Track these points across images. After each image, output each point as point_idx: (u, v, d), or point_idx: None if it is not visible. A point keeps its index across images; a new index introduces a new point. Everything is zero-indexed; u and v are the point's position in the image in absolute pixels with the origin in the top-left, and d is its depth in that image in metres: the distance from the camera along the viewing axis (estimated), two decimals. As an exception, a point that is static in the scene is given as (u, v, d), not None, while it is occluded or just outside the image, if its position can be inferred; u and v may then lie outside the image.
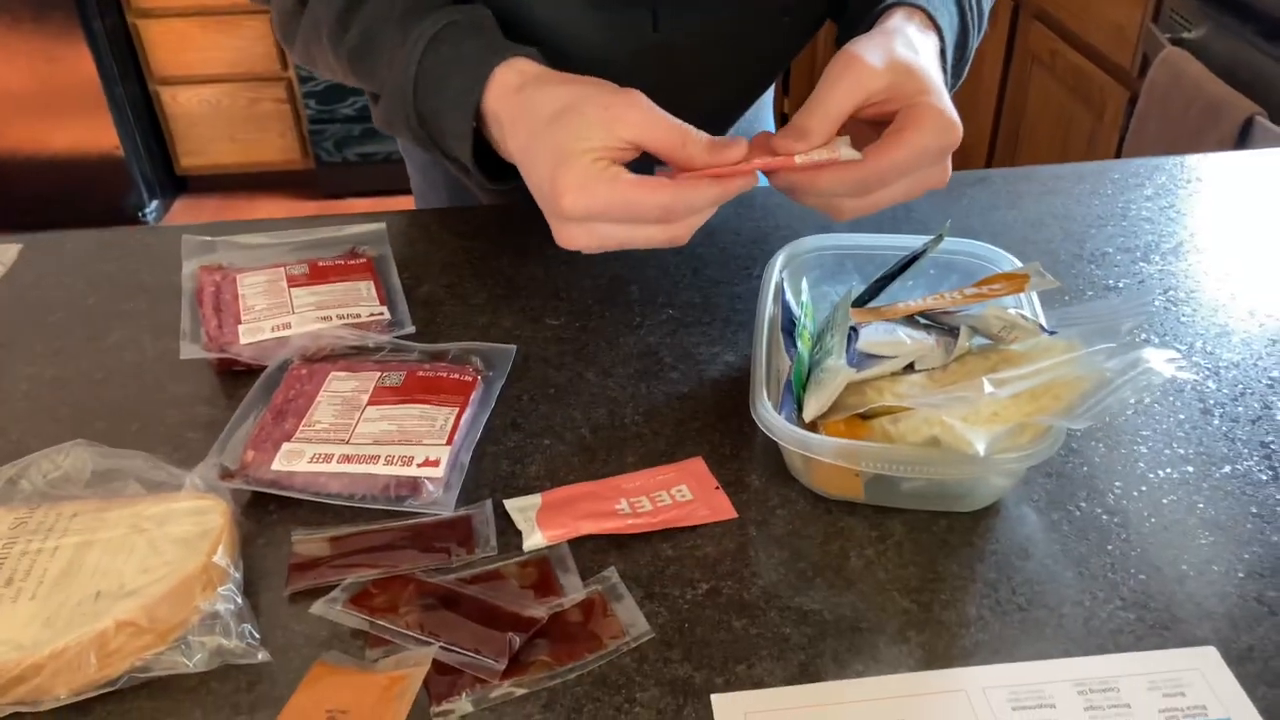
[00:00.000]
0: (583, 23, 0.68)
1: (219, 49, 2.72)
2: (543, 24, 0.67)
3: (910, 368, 0.54)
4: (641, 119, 0.52)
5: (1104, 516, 0.53)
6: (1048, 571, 0.50)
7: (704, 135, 0.53)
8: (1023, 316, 0.54)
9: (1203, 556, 0.51)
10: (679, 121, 0.53)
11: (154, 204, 2.81)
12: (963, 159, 2.28)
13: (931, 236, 0.61)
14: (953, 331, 0.56)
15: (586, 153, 0.52)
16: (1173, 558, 0.51)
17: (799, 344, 0.57)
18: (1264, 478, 0.55)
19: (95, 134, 2.65)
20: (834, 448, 0.50)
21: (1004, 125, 2.17)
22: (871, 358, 0.54)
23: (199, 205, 2.95)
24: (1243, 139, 1.34)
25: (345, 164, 2.87)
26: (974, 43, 0.69)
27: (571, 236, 0.54)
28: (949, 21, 0.63)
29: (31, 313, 0.71)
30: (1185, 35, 1.53)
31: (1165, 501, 0.54)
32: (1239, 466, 0.56)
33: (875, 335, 0.56)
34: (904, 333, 0.56)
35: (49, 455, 0.54)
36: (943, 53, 0.62)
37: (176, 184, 2.96)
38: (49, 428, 0.61)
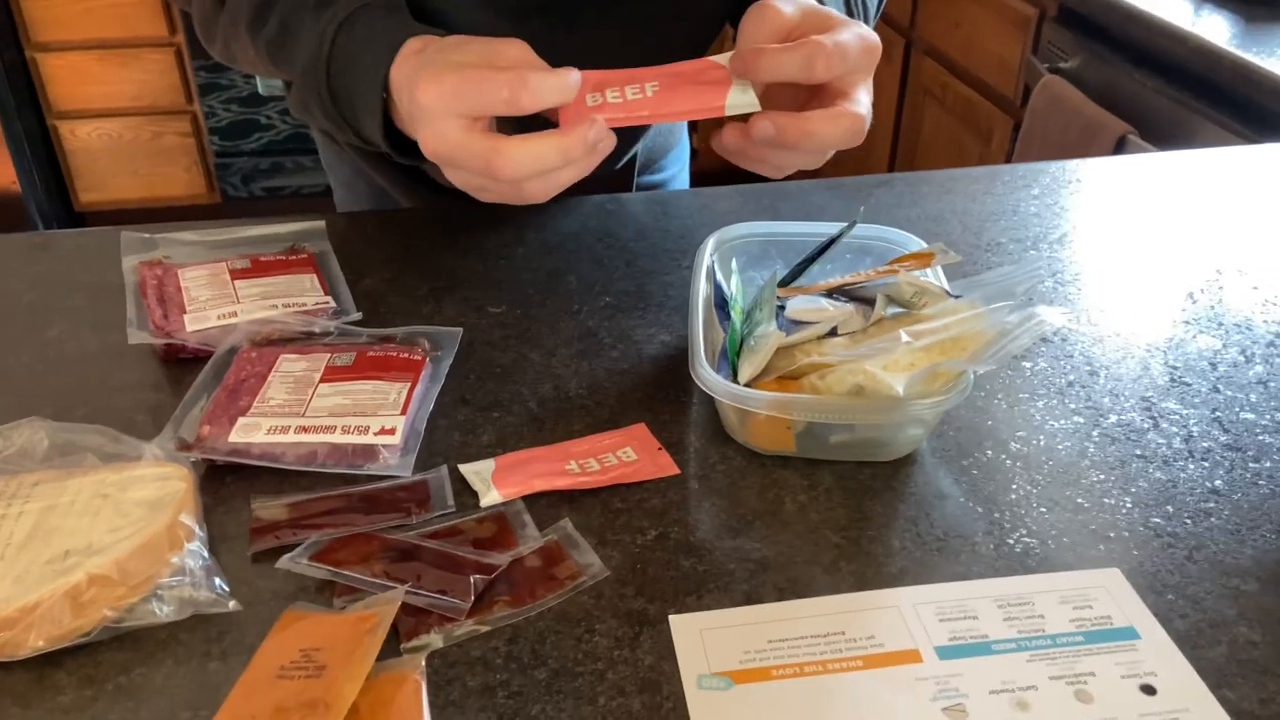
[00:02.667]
0: (497, 28, 0.72)
1: (121, 82, 2.67)
2: (456, 23, 0.70)
3: (833, 332, 0.59)
4: (519, 55, 0.55)
5: (1008, 462, 0.58)
6: (961, 508, 0.55)
7: (546, 95, 0.54)
8: (931, 283, 0.60)
9: (1096, 492, 0.56)
10: (552, 69, 0.55)
11: (52, 240, 2.73)
12: (863, 187, 2.40)
13: (846, 224, 0.67)
14: (870, 301, 0.61)
15: (453, 63, 0.54)
16: (1070, 494, 0.56)
17: (732, 316, 0.61)
18: (1145, 426, 0.61)
19: (-10, 169, 2.58)
20: (768, 400, 0.54)
21: (900, 152, 2.29)
22: (798, 324, 0.59)
23: (99, 241, 2.88)
24: (1117, 155, 1.45)
25: (252, 198, 2.84)
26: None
27: (452, 176, 0.56)
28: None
29: (-34, 310, 0.71)
30: (1062, 65, 1.65)
31: (1060, 448, 0.59)
32: (1123, 417, 0.62)
33: (800, 305, 0.60)
34: (826, 302, 0.61)
35: (2, 432, 0.55)
36: None
37: (74, 220, 2.88)
38: (-9, 416, 0.61)
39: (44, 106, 2.68)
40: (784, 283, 0.66)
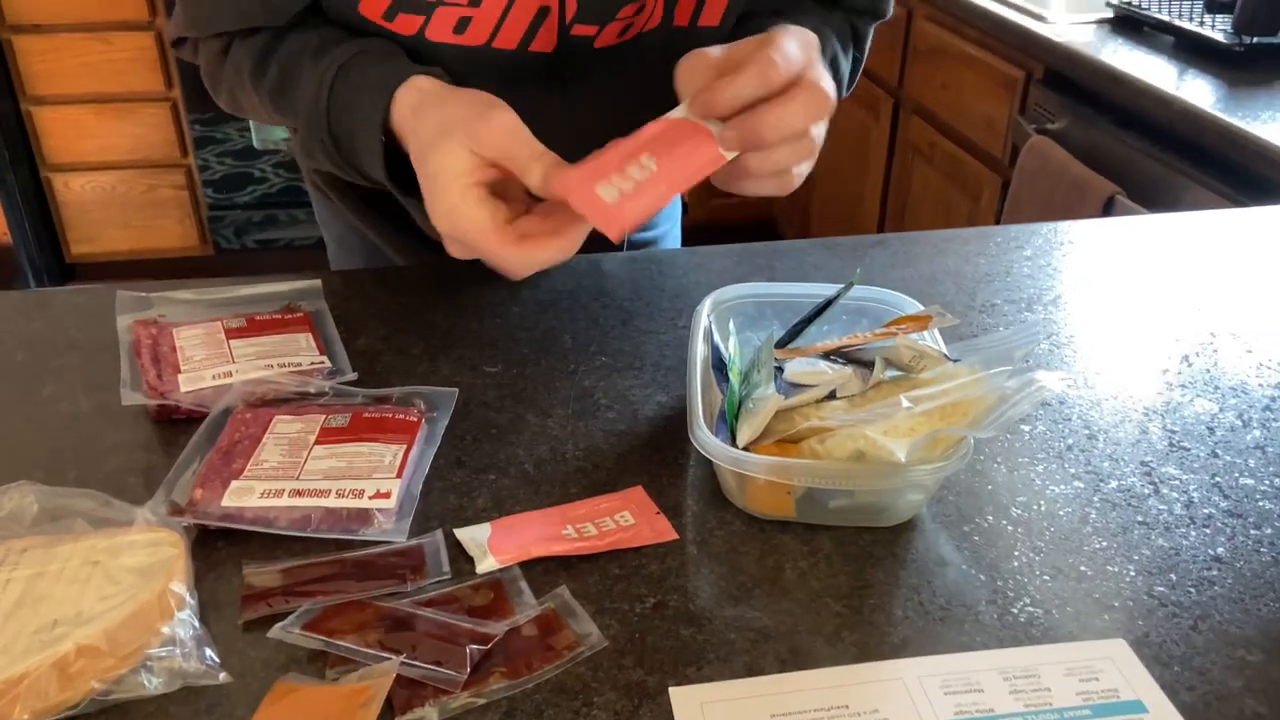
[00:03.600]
0: (492, 89, 0.73)
1: (116, 135, 2.69)
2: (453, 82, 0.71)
3: (832, 396, 0.59)
4: (499, 142, 0.57)
5: (1009, 528, 0.58)
6: (964, 576, 0.54)
7: (547, 161, 0.57)
8: (930, 347, 0.60)
9: (1099, 559, 0.56)
10: (532, 147, 0.57)
11: (42, 291, 2.73)
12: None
13: (843, 285, 0.67)
14: (868, 364, 0.61)
15: (455, 179, 0.57)
16: (1073, 562, 0.56)
17: (730, 378, 0.61)
18: (1146, 491, 0.61)
19: (-18, 220, 2.58)
20: (767, 464, 0.54)
21: (890, 209, 2.31)
22: (797, 386, 0.59)
23: (90, 292, 2.88)
24: (1106, 216, 1.47)
25: (245, 250, 2.85)
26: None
27: (455, 252, 0.60)
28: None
29: (-43, 368, 0.70)
30: (1049, 126, 1.68)
31: (1061, 514, 0.59)
32: (1123, 482, 0.62)
33: (799, 367, 0.60)
34: (825, 365, 0.61)
35: (-9, 497, 0.54)
36: None
37: (65, 271, 2.88)
38: (-20, 478, 0.60)
39: (38, 159, 2.69)
40: (781, 344, 0.66)
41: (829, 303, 0.67)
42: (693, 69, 0.59)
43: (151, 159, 2.74)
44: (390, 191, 0.67)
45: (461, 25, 0.67)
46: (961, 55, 1.95)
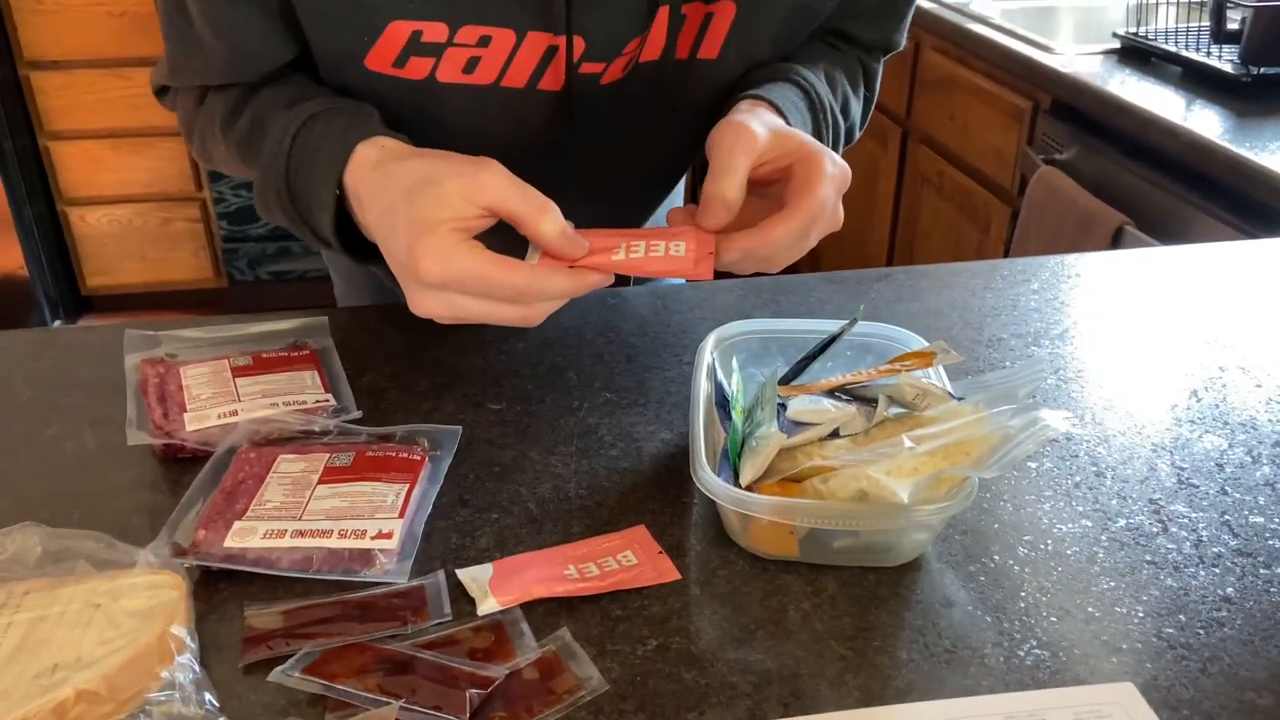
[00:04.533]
0: (500, 126, 0.73)
1: (132, 170, 2.72)
2: (459, 129, 0.71)
3: (835, 434, 0.59)
4: (500, 184, 0.56)
5: (1015, 567, 0.57)
6: (969, 617, 0.54)
7: (561, 219, 0.57)
8: (933, 385, 0.60)
9: (1107, 600, 0.55)
10: (540, 195, 0.57)
11: (57, 324, 2.75)
12: (863, 265, 2.42)
13: (847, 320, 0.67)
14: (872, 401, 0.61)
15: (444, 222, 0.54)
16: (1080, 602, 0.55)
17: (733, 416, 0.61)
18: (1154, 530, 0.60)
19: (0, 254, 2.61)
20: (770, 505, 0.53)
21: (899, 238, 2.31)
22: (800, 425, 0.59)
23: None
24: (1114, 246, 1.47)
25: (258, 282, 2.87)
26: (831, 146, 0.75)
27: (428, 305, 0.56)
28: (799, 119, 0.70)
29: (-35, 408, 0.71)
30: (1057, 156, 1.68)
31: (1069, 553, 0.58)
32: (1132, 521, 0.61)
33: (802, 405, 0.60)
34: (828, 403, 0.60)
35: (-5, 538, 0.54)
36: None
37: (81, 304, 2.91)
38: (-14, 519, 0.60)
39: (54, 193, 2.72)
40: (784, 381, 0.66)
41: (833, 339, 0.67)
42: (731, 147, 0.59)
43: (167, 192, 2.77)
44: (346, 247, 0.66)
45: (471, 65, 0.68)
46: (969, 86, 1.96)
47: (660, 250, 0.59)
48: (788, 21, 0.73)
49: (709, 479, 0.55)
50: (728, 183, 0.58)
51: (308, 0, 0.64)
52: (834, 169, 0.60)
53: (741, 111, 0.64)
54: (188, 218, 2.81)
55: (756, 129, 0.60)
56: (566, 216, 0.57)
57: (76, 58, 2.57)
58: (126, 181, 2.73)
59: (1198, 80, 1.60)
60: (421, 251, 0.54)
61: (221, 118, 0.70)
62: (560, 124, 0.74)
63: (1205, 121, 1.44)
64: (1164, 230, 1.43)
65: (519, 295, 0.56)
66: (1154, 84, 1.60)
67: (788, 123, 0.67)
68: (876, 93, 0.85)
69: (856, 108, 0.81)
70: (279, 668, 0.49)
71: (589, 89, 0.71)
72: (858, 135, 0.83)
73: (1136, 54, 1.73)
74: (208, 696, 0.47)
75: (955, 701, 0.48)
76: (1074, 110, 1.67)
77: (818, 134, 0.72)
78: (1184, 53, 1.64)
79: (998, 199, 1.90)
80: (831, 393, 0.62)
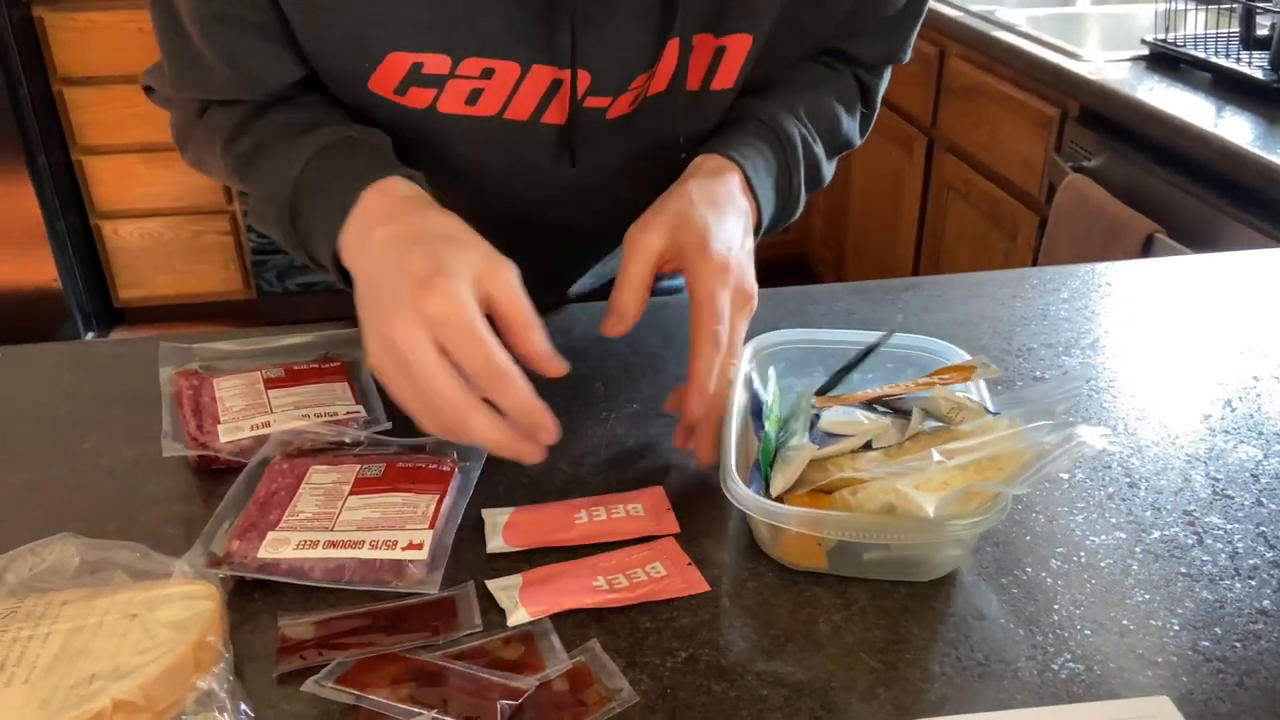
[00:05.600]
0: (502, 157, 0.73)
1: (163, 184, 2.76)
2: (461, 157, 0.72)
3: (868, 446, 0.58)
4: (511, 286, 0.55)
5: (1048, 580, 0.57)
6: (1002, 630, 0.53)
7: (545, 341, 0.57)
8: (969, 399, 0.59)
9: (1142, 613, 0.55)
10: (534, 312, 0.56)
11: (89, 336, 2.79)
12: (889, 275, 2.41)
13: (885, 333, 0.67)
14: (906, 414, 0.60)
15: (467, 278, 0.54)
16: (1115, 615, 0.54)
17: (767, 425, 0.61)
18: (1189, 542, 0.60)
19: (34, 267, 2.66)
20: (799, 516, 0.53)
21: (926, 247, 2.30)
22: (832, 436, 0.59)
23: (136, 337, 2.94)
24: (1145, 254, 1.45)
25: (287, 293, 2.90)
26: (797, 179, 0.75)
27: (399, 330, 0.53)
28: (763, 164, 0.71)
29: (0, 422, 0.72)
30: (1086, 164, 1.67)
31: (1103, 565, 0.58)
32: (1166, 532, 0.60)
33: (835, 417, 0.60)
34: (862, 415, 0.60)
35: (34, 549, 0.55)
36: (750, 187, 0.70)
37: (113, 316, 2.95)
38: (22, 533, 0.61)
39: (88, 207, 2.77)
40: (821, 392, 0.65)
41: (869, 350, 0.67)
42: (637, 259, 0.63)
43: (197, 206, 2.81)
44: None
45: (474, 97, 0.67)
46: (996, 93, 1.95)
47: (621, 512, 0.61)
48: (798, 49, 0.73)
49: (739, 490, 0.55)
50: (625, 296, 0.63)
51: (308, 25, 0.64)
52: (711, 261, 0.62)
53: (662, 199, 0.66)
54: (218, 230, 2.84)
55: (650, 234, 0.63)
56: (570, 249, 0.58)
57: (108, 73, 2.61)
58: (158, 195, 2.77)
59: (1227, 86, 1.59)
60: (438, 286, 0.53)
61: (225, 134, 0.69)
62: (563, 157, 0.73)
63: (1235, 128, 1.42)
64: (1195, 238, 1.42)
65: (492, 374, 0.53)
66: (1183, 90, 1.59)
67: (745, 174, 0.69)
68: (877, 107, 0.84)
69: (851, 126, 0.81)
70: (312, 678, 0.50)
71: (594, 123, 0.71)
72: (857, 144, 0.83)
73: (1165, 60, 1.71)
74: (243, 706, 0.48)
75: (988, 715, 0.48)
76: (1102, 117, 1.65)
77: (785, 175, 0.73)
78: (1213, 59, 1.62)
79: (1025, 207, 1.89)
80: (868, 405, 0.62)
